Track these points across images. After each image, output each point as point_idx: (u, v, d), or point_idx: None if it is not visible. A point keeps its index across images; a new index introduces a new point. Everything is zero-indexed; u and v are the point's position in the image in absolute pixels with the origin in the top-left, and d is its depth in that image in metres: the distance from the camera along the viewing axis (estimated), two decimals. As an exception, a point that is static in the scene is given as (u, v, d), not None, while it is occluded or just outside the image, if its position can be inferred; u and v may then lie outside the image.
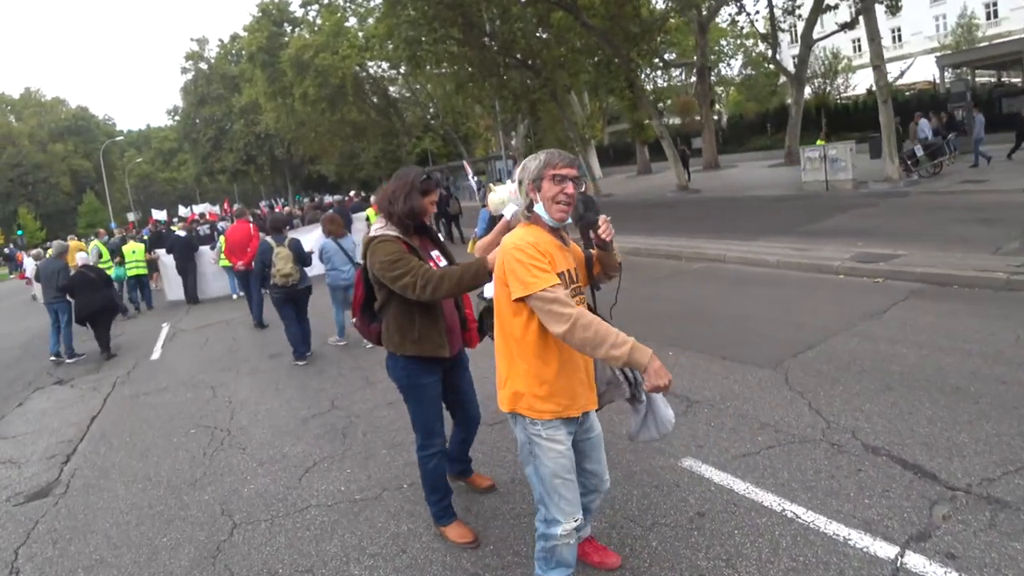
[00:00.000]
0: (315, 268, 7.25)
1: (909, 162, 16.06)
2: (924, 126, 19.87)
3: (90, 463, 4.82)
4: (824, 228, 10.60)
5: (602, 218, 2.29)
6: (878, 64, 15.83)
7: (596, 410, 2.48)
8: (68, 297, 8.57)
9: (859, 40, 43.14)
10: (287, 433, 4.83)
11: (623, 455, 3.72)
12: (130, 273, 12.75)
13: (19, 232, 46.44)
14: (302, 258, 6.78)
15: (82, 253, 9.44)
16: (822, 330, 5.56)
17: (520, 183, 2.31)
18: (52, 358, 8.84)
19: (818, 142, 17.43)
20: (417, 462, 3.11)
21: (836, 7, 19.42)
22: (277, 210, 20.81)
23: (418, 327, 2.88)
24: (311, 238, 9.48)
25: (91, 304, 8.45)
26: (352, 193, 23.43)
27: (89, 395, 6.80)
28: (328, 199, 25.76)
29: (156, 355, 8.31)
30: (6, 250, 40.36)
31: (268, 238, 6.86)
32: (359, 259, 7.07)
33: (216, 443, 4.81)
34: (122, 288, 12.95)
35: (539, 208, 2.25)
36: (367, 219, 13.68)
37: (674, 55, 30.04)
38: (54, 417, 6.16)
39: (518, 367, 2.27)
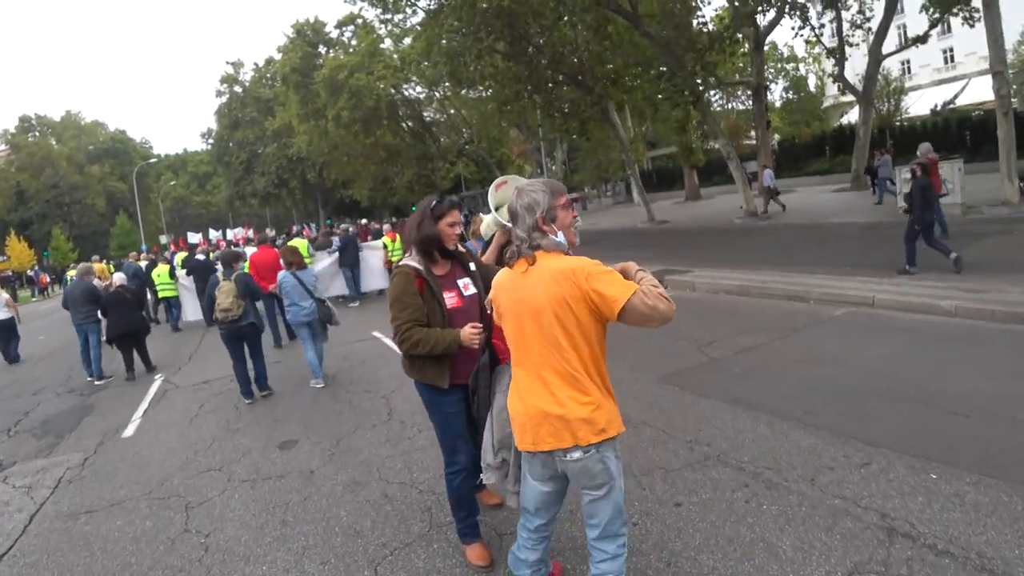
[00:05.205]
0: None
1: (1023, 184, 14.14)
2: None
3: None
4: (974, 263, 8.42)
5: None
6: (999, 70, 13.96)
7: None
8: (100, 315, 8.67)
9: (908, 62, 41.09)
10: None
11: None
12: (161, 295, 13.55)
13: (45, 254, 45.90)
14: (251, 293, 6.43)
15: (119, 274, 9.71)
16: None
17: (514, 214, 2.22)
18: (88, 379, 8.81)
19: None
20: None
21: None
22: (306, 234, 19.56)
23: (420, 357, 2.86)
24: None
25: (121, 325, 8.45)
26: (364, 221, 22.61)
27: (16, 502, 4.67)
28: (341, 226, 24.14)
29: (130, 430, 6.15)
30: (30, 272, 39.52)
31: (219, 272, 6.58)
32: (320, 293, 6.73)
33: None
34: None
35: (560, 238, 2.17)
36: (384, 245, 13.95)
37: (717, 77, 27.78)
38: (-52, 548, 3.99)
39: (598, 388, 2.11)
